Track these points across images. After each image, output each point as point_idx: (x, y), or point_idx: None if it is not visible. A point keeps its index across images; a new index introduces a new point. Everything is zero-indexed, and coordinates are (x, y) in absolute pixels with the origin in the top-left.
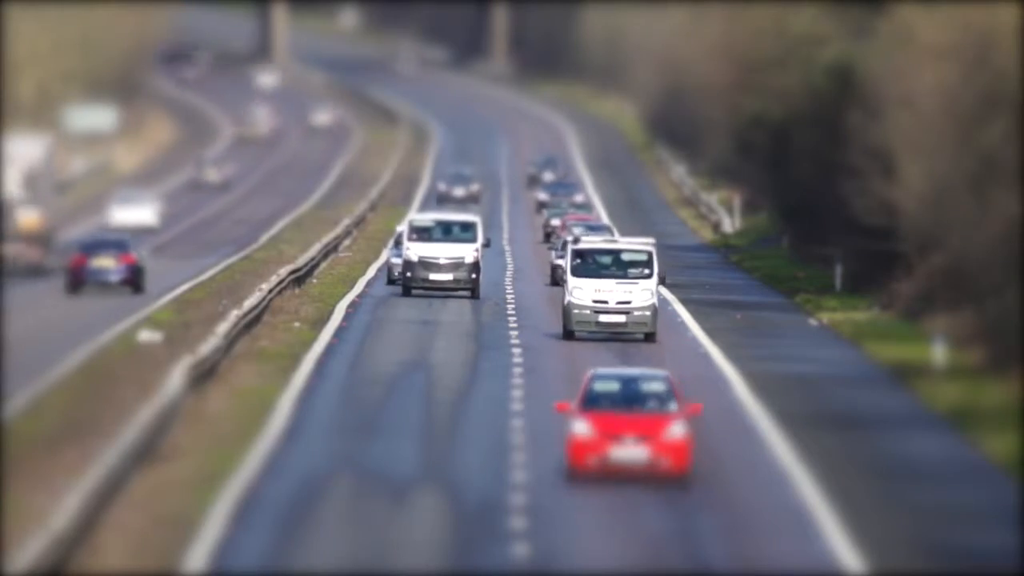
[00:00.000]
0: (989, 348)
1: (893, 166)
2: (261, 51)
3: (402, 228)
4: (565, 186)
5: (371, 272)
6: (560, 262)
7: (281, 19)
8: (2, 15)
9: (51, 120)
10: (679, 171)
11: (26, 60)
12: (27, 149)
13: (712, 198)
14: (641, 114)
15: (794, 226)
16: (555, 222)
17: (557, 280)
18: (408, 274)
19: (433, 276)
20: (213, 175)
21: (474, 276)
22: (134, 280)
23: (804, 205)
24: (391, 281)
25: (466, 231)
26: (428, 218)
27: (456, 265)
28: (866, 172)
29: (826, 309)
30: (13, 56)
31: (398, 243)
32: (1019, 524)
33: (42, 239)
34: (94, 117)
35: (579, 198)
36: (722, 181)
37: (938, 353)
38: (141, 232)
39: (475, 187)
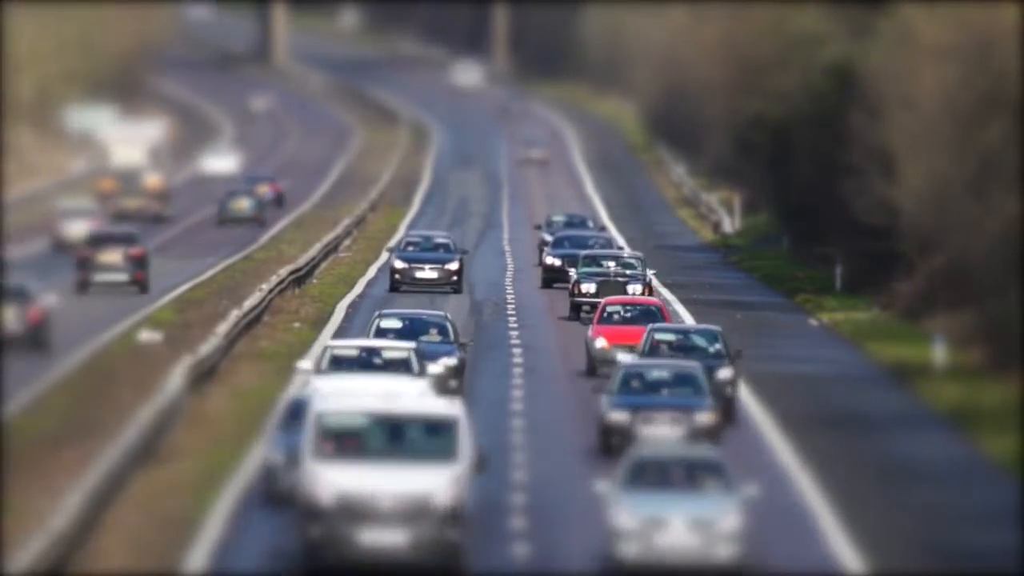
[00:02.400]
0: (989, 348)
1: (893, 166)
2: (261, 51)
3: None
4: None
5: (371, 272)
6: (619, 418)
7: (281, 19)
8: (2, 15)
9: (52, 120)
10: (679, 171)
11: (26, 60)
12: (149, 132)
13: (712, 198)
14: (641, 114)
15: (794, 226)
16: (588, 287)
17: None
18: (317, 533)
19: (368, 537)
20: (259, 104)
21: (448, 535)
22: (261, 214)
23: (804, 205)
24: (273, 496)
25: (437, 436)
26: (354, 411)
27: (415, 514)
28: (866, 172)
29: (826, 309)
30: (13, 56)
31: (292, 417)
32: (1019, 524)
33: (164, 196)
34: (93, 117)
35: (629, 253)
36: (722, 181)
37: (938, 353)
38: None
39: (453, 266)
